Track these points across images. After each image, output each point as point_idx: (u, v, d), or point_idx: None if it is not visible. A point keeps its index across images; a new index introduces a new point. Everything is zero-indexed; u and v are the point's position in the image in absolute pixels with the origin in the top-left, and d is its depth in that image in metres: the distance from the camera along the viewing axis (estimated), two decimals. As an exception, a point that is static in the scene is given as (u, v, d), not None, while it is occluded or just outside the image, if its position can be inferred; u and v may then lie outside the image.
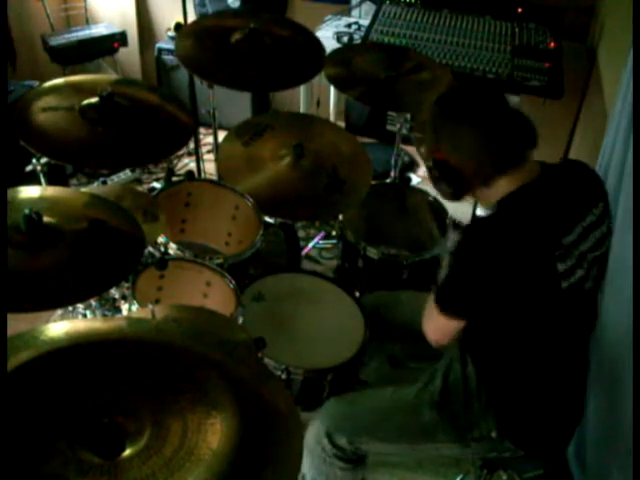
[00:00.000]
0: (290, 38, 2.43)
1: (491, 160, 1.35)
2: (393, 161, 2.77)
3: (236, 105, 3.38)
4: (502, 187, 1.37)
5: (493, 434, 1.50)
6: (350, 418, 1.59)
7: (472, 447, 1.54)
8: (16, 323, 1.38)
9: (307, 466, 1.65)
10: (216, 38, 2.32)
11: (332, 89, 3.32)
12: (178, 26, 2.51)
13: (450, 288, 1.42)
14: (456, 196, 1.46)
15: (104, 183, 2.34)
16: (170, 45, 3.48)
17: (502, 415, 1.46)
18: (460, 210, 2.94)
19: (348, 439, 1.55)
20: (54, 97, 1.93)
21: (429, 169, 1.44)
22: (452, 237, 1.69)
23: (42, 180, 2.06)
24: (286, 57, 2.35)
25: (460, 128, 1.37)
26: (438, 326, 1.46)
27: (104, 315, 1.86)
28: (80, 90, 1.97)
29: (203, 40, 2.30)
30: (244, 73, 2.25)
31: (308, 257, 2.86)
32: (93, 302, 1.85)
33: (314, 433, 1.60)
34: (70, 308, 2.00)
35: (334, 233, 2.91)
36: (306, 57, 2.40)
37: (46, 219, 1.51)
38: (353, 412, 1.61)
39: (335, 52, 2.53)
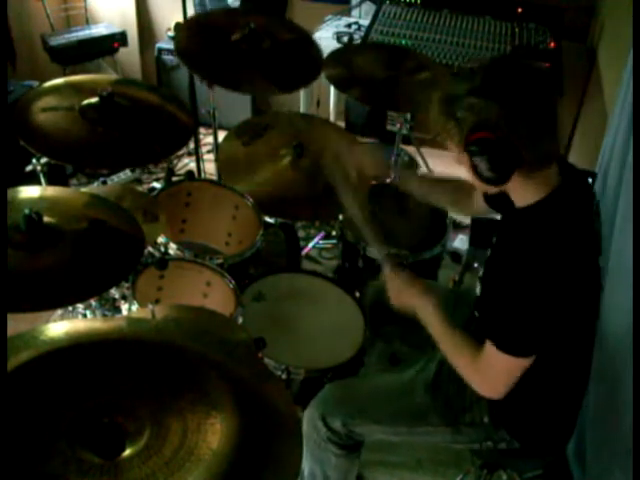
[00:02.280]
0: (289, 41, 2.42)
1: (548, 139, 1.27)
2: (393, 161, 2.77)
3: (236, 105, 3.38)
4: (540, 185, 1.30)
5: (485, 419, 1.49)
6: (344, 401, 1.60)
7: (464, 433, 1.53)
8: (16, 323, 1.38)
9: (304, 455, 1.65)
10: (216, 36, 2.31)
11: (332, 89, 3.32)
12: (178, 26, 2.50)
13: (524, 326, 1.29)
14: (501, 180, 1.26)
15: (104, 183, 2.35)
16: (170, 45, 3.48)
17: (494, 401, 1.46)
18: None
19: (342, 421, 1.56)
20: (54, 97, 1.93)
21: (469, 150, 1.24)
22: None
23: (42, 180, 2.06)
24: (285, 60, 2.33)
25: (523, 100, 1.23)
26: (510, 375, 1.33)
27: (104, 315, 1.86)
28: (80, 90, 1.97)
29: (203, 37, 2.29)
30: (243, 74, 2.24)
31: (308, 257, 2.86)
32: (93, 302, 1.85)
33: (309, 417, 1.60)
34: (70, 308, 2.00)
35: (334, 233, 2.90)
36: (305, 60, 2.39)
37: (46, 219, 1.51)
38: (347, 395, 1.62)
39: (335, 52, 2.53)
